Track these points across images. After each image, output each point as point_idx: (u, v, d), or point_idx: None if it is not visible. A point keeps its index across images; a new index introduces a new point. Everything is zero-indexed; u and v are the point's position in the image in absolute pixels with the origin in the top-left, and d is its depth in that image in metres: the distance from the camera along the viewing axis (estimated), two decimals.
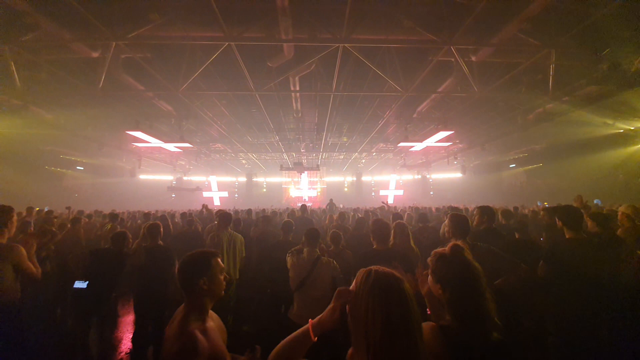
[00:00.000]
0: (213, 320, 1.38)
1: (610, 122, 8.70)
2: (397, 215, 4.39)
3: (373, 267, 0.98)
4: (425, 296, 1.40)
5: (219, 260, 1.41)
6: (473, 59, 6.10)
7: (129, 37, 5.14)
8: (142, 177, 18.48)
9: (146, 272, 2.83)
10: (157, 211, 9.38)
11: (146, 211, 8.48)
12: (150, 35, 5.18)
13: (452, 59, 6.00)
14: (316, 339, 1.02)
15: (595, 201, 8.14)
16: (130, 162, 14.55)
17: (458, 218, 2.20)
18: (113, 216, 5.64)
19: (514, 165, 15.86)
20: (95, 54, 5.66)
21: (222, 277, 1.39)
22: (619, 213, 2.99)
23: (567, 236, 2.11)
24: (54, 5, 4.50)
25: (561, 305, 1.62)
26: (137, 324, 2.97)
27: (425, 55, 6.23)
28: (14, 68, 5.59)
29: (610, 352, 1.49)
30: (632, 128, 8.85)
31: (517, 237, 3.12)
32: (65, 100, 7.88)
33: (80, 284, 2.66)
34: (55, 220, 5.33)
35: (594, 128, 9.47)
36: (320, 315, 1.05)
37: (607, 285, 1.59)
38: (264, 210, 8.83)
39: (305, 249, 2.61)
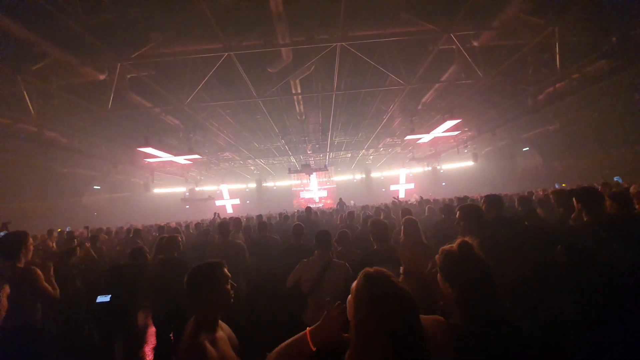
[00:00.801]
0: (223, 330, 1.39)
1: (623, 96, 8.32)
2: (406, 210, 4.32)
3: (365, 270, 0.96)
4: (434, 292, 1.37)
5: (225, 270, 1.42)
6: (475, 44, 5.96)
7: (132, 57, 5.29)
8: (156, 190, 18.96)
9: (163, 284, 2.90)
10: (167, 223, 9.58)
11: (161, 224, 8.70)
12: (153, 53, 5.32)
13: (454, 47, 5.89)
14: (315, 349, 0.98)
15: (615, 178, 7.82)
16: (144, 178, 14.96)
17: (468, 208, 2.16)
18: (136, 231, 5.76)
19: (527, 148, 15.40)
20: (102, 76, 5.85)
21: (228, 287, 1.40)
22: (633, 191, 2.86)
23: (585, 219, 2.02)
24: (59, 33, 4.68)
25: (580, 294, 1.55)
26: (158, 335, 3.05)
27: (425, 46, 6.14)
28: (27, 97, 5.83)
29: (631, 346, 1.40)
30: None
31: (527, 224, 3.01)
32: (78, 123, 8.18)
33: (102, 298, 2.75)
34: (76, 240, 5.55)
35: (609, 103, 9.09)
36: (319, 324, 1.02)
37: (628, 272, 1.51)
38: (280, 214, 8.86)
39: (316, 252, 2.61)
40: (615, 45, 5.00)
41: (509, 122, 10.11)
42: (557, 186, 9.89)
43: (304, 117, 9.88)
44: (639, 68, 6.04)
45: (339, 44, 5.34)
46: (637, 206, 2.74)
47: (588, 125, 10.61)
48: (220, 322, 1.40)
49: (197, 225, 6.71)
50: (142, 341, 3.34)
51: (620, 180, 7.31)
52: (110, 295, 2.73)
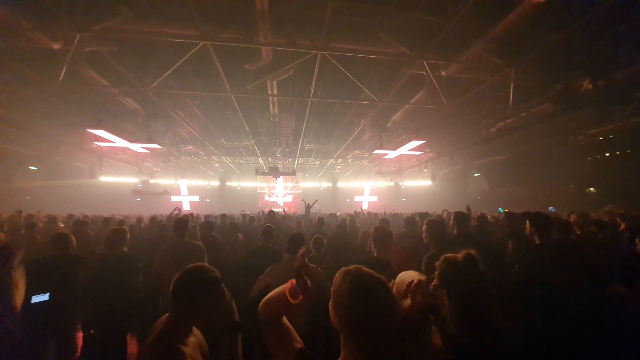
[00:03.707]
0: (194, 336, 1.29)
1: (561, 137, 9.58)
2: (384, 221, 4.42)
3: (352, 268, 0.96)
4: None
5: (223, 288, 1.31)
6: (443, 73, 6.46)
7: (94, 29, 4.82)
8: (103, 179, 17.20)
9: (103, 282, 2.57)
10: (113, 215, 8.70)
11: (106, 215, 7.90)
12: (118, 28, 4.91)
13: (424, 73, 6.31)
14: (296, 301, 0.99)
15: (549, 208, 8.87)
16: (90, 163, 13.49)
17: (434, 224, 2.28)
18: (78, 222, 5.01)
19: (478, 174, 16.89)
20: (56, 46, 5.23)
21: (220, 305, 1.28)
22: (571, 220, 3.30)
23: (537, 242, 2.21)
24: None
25: (530, 311, 1.68)
26: (95, 339, 2.70)
27: (400, 68, 6.50)
28: None
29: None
30: (582, 143, 9.81)
31: (487, 240, 3.27)
32: (18, 94, 7.18)
33: (40, 298, 2.33)
34: (6, 224, 4.78)
35: (550, 142, 10.39)
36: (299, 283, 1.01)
37: (572, 291, 1.70)
38: (243, 215, 8.27)
39: (286, 255, 2.53)
40: (559, 92, 5.75)
41: (465, 149, 11.05)
42: (500, 210, 10.93)
43: (277, 119, 9.78)
44: (576, 115, 7.04)
45: (319, 52, 5.42)
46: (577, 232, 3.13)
47: (530, 159, 11.99)
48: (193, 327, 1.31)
49: (152, 219, 6.15)
50: (79, 346, 2.89)
51: (553, 210, 8.30)
52: (48, 294, 2.32)
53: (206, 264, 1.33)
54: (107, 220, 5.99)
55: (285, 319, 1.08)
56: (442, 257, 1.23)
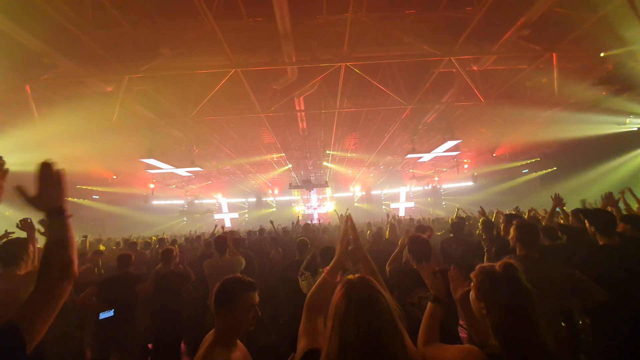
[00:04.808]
0: (240, 350, 1.35)
1: (624, 120, 8.47)
2: (422, 227, 4.22)
3: (354, 278, 0.93)
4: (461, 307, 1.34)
5: (252, 295, 1.37)
6: (475, 68, 6.13)
7: (141, 70, 5.40)
8: (155, 202, 18.83)
9: (158, 297, 2.78)
10: (160, 235, 9.33)
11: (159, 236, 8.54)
12: (161, 67, 5.44)
13: (454, 70, 6.05)
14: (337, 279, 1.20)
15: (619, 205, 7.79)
16: (144, 189, 14.91)
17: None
18: (132, 244, 5.62)
19: (526, 170, 15.49)
20: (109, 88, 5.95)
21: (250, 315, 1.33)
22: None
23: (600, 242, 1.96)
24: (71, 45, 4.80)
25: (611, 315, 1.50)
26: (153, 350, 2.91)
27: (427, 68, 6.31)
28: (33, 106, 5.89)
29: None
30: None
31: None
32: (81, 134, 8.22)
33: (106, 314, 2.61)
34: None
35: (608, 127, 9.23)
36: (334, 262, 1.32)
37: None
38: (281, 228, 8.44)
39: (320, 269, 2.52)
40: (611, 72, 5.15)
41: (508, 144, 10.26)
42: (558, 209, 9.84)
43: (306, 133, 10.00)
44: (631, 95, 6.22)
45: (343, 64, 5.48)
46: None
47: (587, 145, 10.68)
48: (238, 342, 1.37)
49: (197, 237, 6.57)
50: (137, 355, 3.15)
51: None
52: (113, 310, 2.60)
53: (240, 277, 1.40)
54: (161, 241, 6.51)
55: (321, 322, 1.18)
56: (477, 268, 1.13)
